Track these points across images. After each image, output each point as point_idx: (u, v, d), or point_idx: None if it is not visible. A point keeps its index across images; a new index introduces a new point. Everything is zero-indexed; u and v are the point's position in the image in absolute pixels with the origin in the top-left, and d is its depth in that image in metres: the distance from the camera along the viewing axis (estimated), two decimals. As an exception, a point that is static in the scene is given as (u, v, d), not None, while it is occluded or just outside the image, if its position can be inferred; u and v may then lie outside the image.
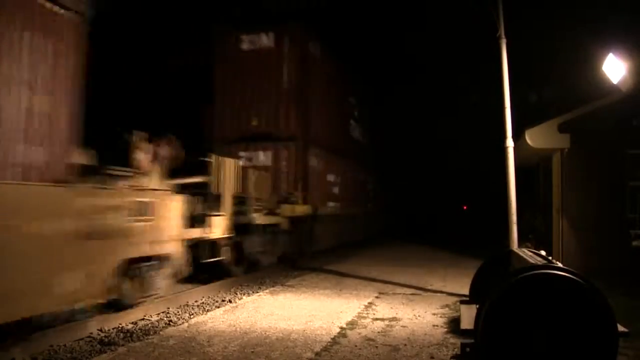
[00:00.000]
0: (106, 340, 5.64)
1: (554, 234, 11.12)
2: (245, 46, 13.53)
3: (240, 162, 11.05)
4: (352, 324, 6.22)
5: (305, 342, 5.40)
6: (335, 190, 16.10)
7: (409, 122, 27.90)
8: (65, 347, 5.38)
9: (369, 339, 5.53)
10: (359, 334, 5.77)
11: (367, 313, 6.89)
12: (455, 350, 5.06)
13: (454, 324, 6.20)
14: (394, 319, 6.57)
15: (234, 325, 6.08)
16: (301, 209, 12.54)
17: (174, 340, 5.40)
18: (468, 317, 5.69)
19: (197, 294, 8.27)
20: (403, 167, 27.09)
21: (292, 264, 11.99)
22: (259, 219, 10.26)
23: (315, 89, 14.36)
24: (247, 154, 12.96)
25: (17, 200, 4.78)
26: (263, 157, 13.05)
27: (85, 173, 5.89)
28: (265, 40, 13.45)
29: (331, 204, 15.58)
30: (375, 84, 23.03)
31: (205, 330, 5.82)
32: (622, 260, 9.89)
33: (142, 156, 6.90)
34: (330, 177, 15.60)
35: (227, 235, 9.10)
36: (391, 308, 7.26)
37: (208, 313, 6.94)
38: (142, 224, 6.51)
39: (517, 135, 9.93)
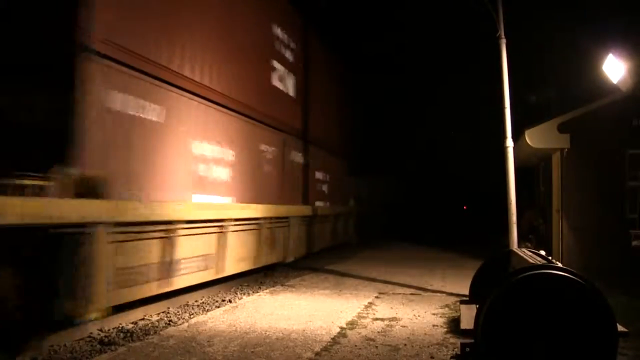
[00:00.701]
0: (106, 340, 5.64)
1: (554, 234, 11.12)
2: None
3: None
4: (352, 324, 6.22)
5: (305, 341, 5.40)
6: (220, 174, 8.71)
7: (407, 121, 27.91)
8: (66, 347, 5.38)
9: (369, 339, 5.53)
10: (359, 333, 5.77)
11: (367, 313, 6.89)
12: (455, 350, 5.06)
13: (454, 324, 6.21)
14: (393, 319, 6.57)
15: (234, 325, 6.08)
16: (47, 207, 4.98)
17: (174, 340, 5.40)
18: (468, 317, 5.69)
19: (197, 294, 8.27)
20: (401, 166, 27.09)
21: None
22: None
23: None
24: None
25: None
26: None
27: None
28: None
29: (205, 198, 8.11)
30: (369, 81, 22.81)
31: (205, 330, 5.82)
32: (622, 260, 9.89)
33: None
34: (205, 149, 8.19)
35: None
36: (391, 308, 7.26)
37: (208, 313, 6.94)
38: None
39: (517, 135, 9.94)
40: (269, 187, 10.84)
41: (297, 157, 12.85)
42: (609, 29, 12.09)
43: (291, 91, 12.47)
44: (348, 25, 22.23)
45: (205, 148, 8.20)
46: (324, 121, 15.16)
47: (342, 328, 6.01)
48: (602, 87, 10.78)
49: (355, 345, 5.27)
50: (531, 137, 10.85)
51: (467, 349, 4.55)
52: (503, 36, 8.64)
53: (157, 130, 6.93)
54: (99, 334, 5.86)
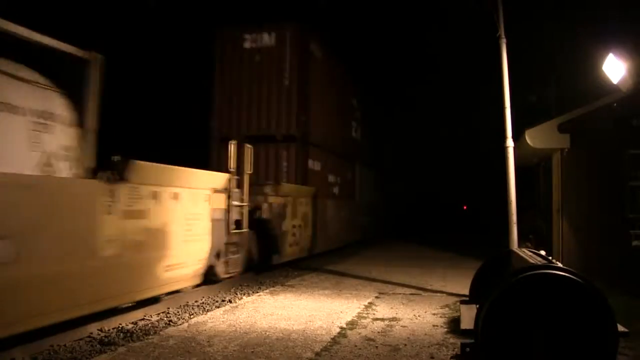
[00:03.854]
0: (106, 340, 5.64)
1: (554, 234, 11.11)
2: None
3: None
4: (352, 324, 6.22)
5: (305, 342, 5.40)
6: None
7: (410, 122, 27.91)
8: (66, 347, 5.38)
9: (369, 339, 5.53)
10: (359, 334, 5.77)
11: (367, 313, 6.89)
12: (455, 350, 5.06)
13: (454, 324, 6.21)
14: (394, 319, 6.57)
15: (234, 325, 6.08)
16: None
17: (174, 340, 5.40)
18: (468, 317, 5.70)
19: (197, 294, 8.27)
20: (403, 166, 27.09)
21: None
22: None
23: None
24: None
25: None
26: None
27: None
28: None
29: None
30: (376, 84, 22.96)
31: (205, 330, 5.82)
32: (622, 260, 9.88)
33: None
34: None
35: None
36: (391, 308, 7.26)
37: (208, 313, 6.94)
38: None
39: (517, 135, 9.94)
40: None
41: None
42: (609, 29, 12.07)
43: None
44: (350, 27, 22.36)
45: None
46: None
47: (342, 328, 6.01)
48: (602, 87, 10.77)
49: (355, 346, 5.27)
50: (531, 137, 10.84)
51: (467, 349, 4.56)
52: (503, 36, 8.64)
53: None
54: (98, 334, 5.86)
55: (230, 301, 7.95)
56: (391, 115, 24.91)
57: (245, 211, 9.24)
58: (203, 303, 7.86)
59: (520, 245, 8.58)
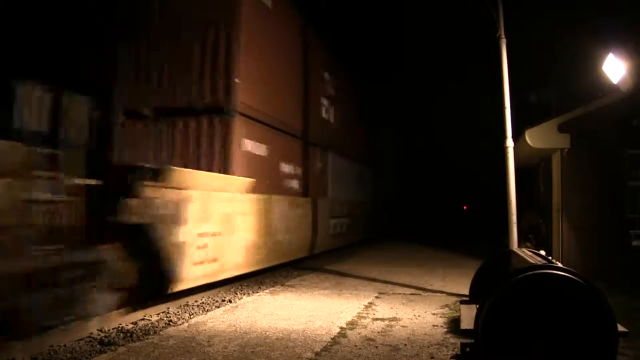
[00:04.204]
0: (106, 340, 5.64)
1: (554, 234, 11.12)
2: None
3: None
4: (352, 324, 6.23)
5: (305, 342, 5.40)
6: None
7: (408, 120, 27.93)
8: (65, 347, 5.38)
9: (369, 339, 5.53)
10: (359, 334, 5.78)
11: (367, 313, 6.89)
12: (455, 350, 5.06)
13: (454, 324, 6.21)
14: (394, 319, 6.57)
15: (234, 325, 6.08)
16: None
17: (174, 340, 5.41)
18: (468, 317, 5.70)
19: (197, 294, 8.27)
20: (402, 165, 27.11)
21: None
22: None
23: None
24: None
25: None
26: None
27: None
28: None
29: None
30: (372, 79, 22.76)
31: (205, 330, 5.82)
32: (622, 260, 9.88)
33: None
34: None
35: None
36: (391, 308, 7.26)
37: (208, 313, 6.94)
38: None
39: (517, 135, 9.95)
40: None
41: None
42: (609, 28, 12.07)
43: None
44: (348, 26, 22.21)
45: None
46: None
47: (342, 328, 6.01)
48: (602, 87, 10.78)
49: (355, 346, 5.27)
50: (531, 137, 10.85)
51: (467, 349, 4.56)
52: (503, 36, 8.64)
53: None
54: (98, 334, 5.87)
55: (230, 301, 7.95)
56: (391, 114, 24.88)
57: (75, 211, 5.55)
58: (203, 303, 7.86)
59: (520, 245, 8.58)
